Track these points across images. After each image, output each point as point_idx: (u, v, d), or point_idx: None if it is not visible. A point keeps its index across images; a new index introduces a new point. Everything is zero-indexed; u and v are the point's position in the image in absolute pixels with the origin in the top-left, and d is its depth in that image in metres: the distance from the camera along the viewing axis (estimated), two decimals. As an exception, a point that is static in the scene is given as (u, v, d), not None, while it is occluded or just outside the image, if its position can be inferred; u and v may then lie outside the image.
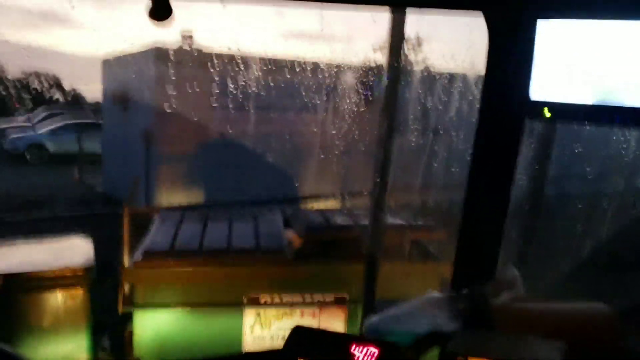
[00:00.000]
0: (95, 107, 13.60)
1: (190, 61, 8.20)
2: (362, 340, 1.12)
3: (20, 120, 15.73)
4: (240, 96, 7.73)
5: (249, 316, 3.07)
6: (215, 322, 3.08)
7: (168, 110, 8.18)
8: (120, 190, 8.77)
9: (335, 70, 6.77)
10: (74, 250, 3.24)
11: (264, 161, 8.73)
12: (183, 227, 3.60)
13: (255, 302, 3.07)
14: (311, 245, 3.32)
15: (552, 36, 1.25)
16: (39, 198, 8.83)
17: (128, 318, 3.07)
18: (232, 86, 7.68)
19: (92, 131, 11.83)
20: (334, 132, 7.05)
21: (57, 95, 18.99)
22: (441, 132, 4.64)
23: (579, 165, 5.75)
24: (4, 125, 14.23)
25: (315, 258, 3.28)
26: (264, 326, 3.07)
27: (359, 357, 1.08)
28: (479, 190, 1.46)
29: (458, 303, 1.28)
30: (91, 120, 13.18)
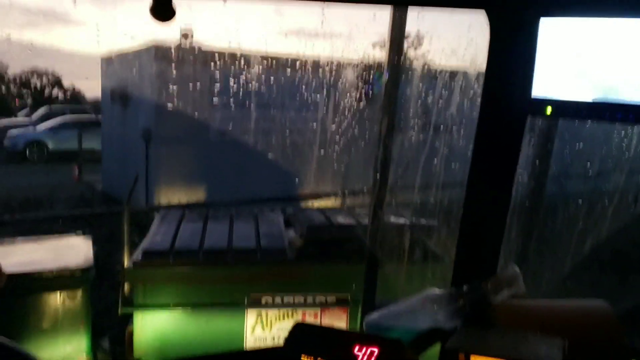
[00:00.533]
0: (95, 105, 13.59)
1: (190, 59, 8.18)
2: (363, 337, 1.12)
3: (20, 118, 15.73)
4: (240, 94, 7.72)
5: (251, 317, 3.06)
6: (216, 323, 3.07)
7: (168, 108, 8.17)
8: (120, 189, 8.78)
9: (335, 67, 6.76)
10: (74, 250, 3.21)
11: (264, 159, 8.72)
12: (183, 227, 3.59)
13: (256, 303, 3.06)
14: (313, 245, 3.30)
15: (554, 34, 1.24)
16: (38, 197, 8.82)
17: (128, 319, 3.06)
18: (232, 84, 7.67)
19: (92, 129, 11.82)
20: (334, 129, 7.05)
21: (57, 93, 18.98)
22: (442, 129, 4.63)
23: (580, 163, 5.75)
24: (3, 123, 14.23)
25: (317, 258, 3.26)
26: (266, 327, 3.06)
27: (359, 353, 1.08)
28: (480, 188, 1.46)
29: (458, 300, 1.28)
30: (91, 118, 13.18)
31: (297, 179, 8.65)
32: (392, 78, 2.88)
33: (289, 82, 8.00)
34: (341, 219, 3.70)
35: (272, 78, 7.84)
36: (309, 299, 3.12)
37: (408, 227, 3.56)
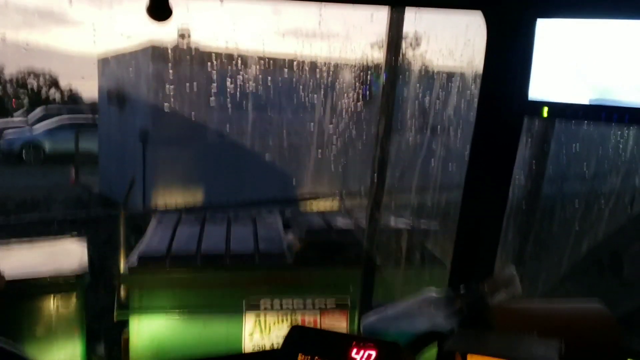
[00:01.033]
0: (92, 106, 13.55)
1: (188, 59, 8.17)
2: (360, 338, 1.11)
3: (16, 120, 15.66)
4: (238, 95, 7.71)
5: (249, 322, 3.02)
6: (214, 328, 3.02)
7: (165, 110, 8.15)
8: (117, 191, 8.75)
9: (333, 68, 6.76)
10: (68, 253, 3.17)
11: (262, 161, 8.71)
12: (180, 230, 3.55)
13: (254, 308, 3.03)
14: (312, 249, 3.27)
15: (551, 35, 1.25)
16: (34, 199, 8.78)
17: (124, 324, 3.01)
18: (230, 84, 7.67)
19: (88, 130, 11.78)
20: (332, 130, 7.05)
21: (54, 94, 18.92)
22: (439, 130, 4.64)
23: (576, 164, 5.77)
24: (0, 125, 14.16)
25: (317, 262, 3.23)
26: (264, 331, 3.03)
27: (356, 356, 1.08)
28: (477, 189, 1.46)
29: (456, 301, 1.28)
30: (88, 120, 13.13)
31: (295, 181, 8.64)
32: (390, 79, 2.87)
33: (286, 83, 8.00)
34: (340, 222, 3.67)
35: (269, 79, 7.84)
36: (309, 303, 3.09)
37: (405, 229, 3.55)
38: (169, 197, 8.43)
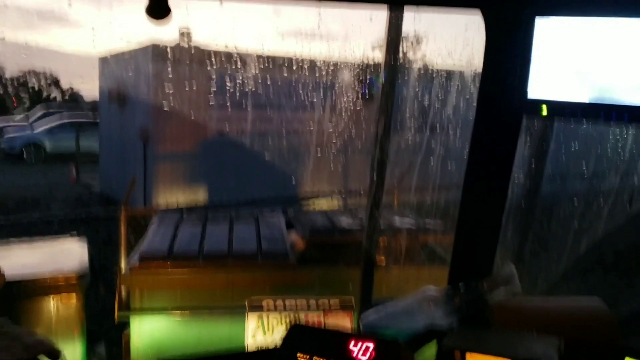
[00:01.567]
0: (93, 106, 13.56)
1: (188, 59, 8.17)
2: (359, 336, 1.12)
3: (17, 119, 15.66)
4: (238, 94, 7.71)
5: (251, 322, 3.02)
6: (216, 328, 2.99)
7: (166, 109, 8.15)
8: (117, 190, 8.75)
9: (332, 68, 6.77)
10: (69, 253, 3.14)
11: (263, 160, 8.71)
12: (182, 230, 3.53)
13: (257, 308, 3.02)
14: (315, 248, 3.25)
15: (550, 34, 1.25)
16: (35, 198, 8.78)
17: (125, 324, 3.00)
18: (230, 84, 7.67)
19: (89, 130, 11.79)
20: (331, 130, 7.05)
21: (55, 94, 18.91)
22: (438, 129, 4.64)
23: (576, 163, 5.77)
24: (1, 124, 14.17)
25: (320, 261, 3.20)
26: (267, 332, 3.03)
27: (355, 353, 1.08)
28: (476, 188, 1.46)
29: (455, 299, 1.28)
30: (89, 119, 13.14)
31: (296, 179, 8.64)
32: (389, 78, 2.87)
33: (286, 83, 8.00)
34: (344, 221, 3.64)
35: (269, 78, 7.84)
36: (312, 303, 3.09)
37: (405, 228, 3.55)
38: (170, 196, 8.44)
